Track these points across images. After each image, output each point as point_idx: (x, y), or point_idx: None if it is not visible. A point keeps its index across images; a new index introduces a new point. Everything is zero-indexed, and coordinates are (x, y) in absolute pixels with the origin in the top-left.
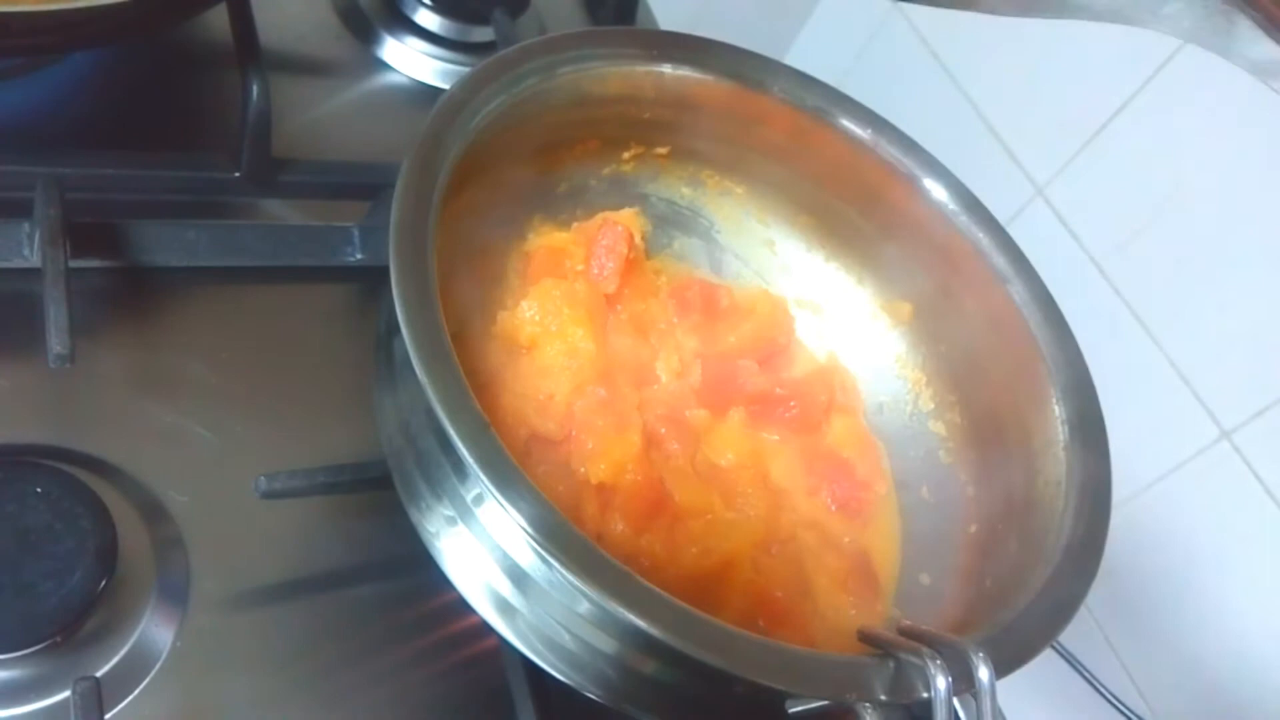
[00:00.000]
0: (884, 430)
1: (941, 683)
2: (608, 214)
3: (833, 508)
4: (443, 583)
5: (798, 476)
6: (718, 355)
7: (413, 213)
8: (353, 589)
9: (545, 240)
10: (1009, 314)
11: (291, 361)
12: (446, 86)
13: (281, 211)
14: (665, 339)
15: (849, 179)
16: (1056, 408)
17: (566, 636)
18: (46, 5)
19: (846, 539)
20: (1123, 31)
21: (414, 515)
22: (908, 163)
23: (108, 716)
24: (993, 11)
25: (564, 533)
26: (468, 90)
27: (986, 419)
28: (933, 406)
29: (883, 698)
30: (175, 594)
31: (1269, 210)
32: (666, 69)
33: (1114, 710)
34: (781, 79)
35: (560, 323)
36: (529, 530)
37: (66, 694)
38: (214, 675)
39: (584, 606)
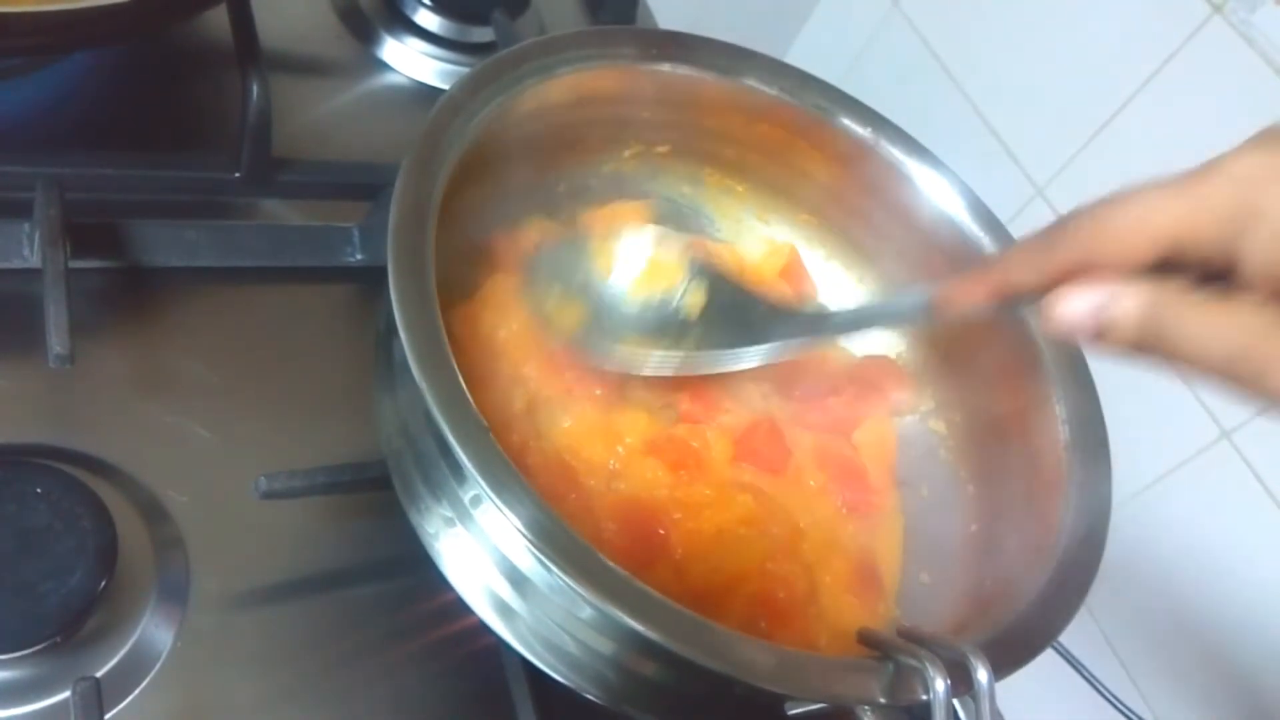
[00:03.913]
0: None
1: (940, 685)
2: (619, 204)
3: (844, 510)
4: (442, 583)
5: (812, 473)
6: None
7: (412, 214)
8: (352, 589)
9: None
10: (1009, 313)
11: (291, 361)
12: (446, 86)
13: (281, 211)
14: None
15: (849, 177)
16: (1057, 407)
17: (565, 638)
18: (47, 5)
19: (853, 541)
20: (1122, 30)
21: (413, 516)
22: (908, 161)
23: (108, 716)
24: None
25: (561, 536)
26: (467, 91)
27: (987, 418)
28: (933, 405)
29: (881, 700)
30: (175, 594)
31: None
32: (666, 68)
33: (1114, 710)
34: (782, 77)
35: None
36: (526, 533)
37: (66, 694)
38: (214, 675)
39: (582, 609)
